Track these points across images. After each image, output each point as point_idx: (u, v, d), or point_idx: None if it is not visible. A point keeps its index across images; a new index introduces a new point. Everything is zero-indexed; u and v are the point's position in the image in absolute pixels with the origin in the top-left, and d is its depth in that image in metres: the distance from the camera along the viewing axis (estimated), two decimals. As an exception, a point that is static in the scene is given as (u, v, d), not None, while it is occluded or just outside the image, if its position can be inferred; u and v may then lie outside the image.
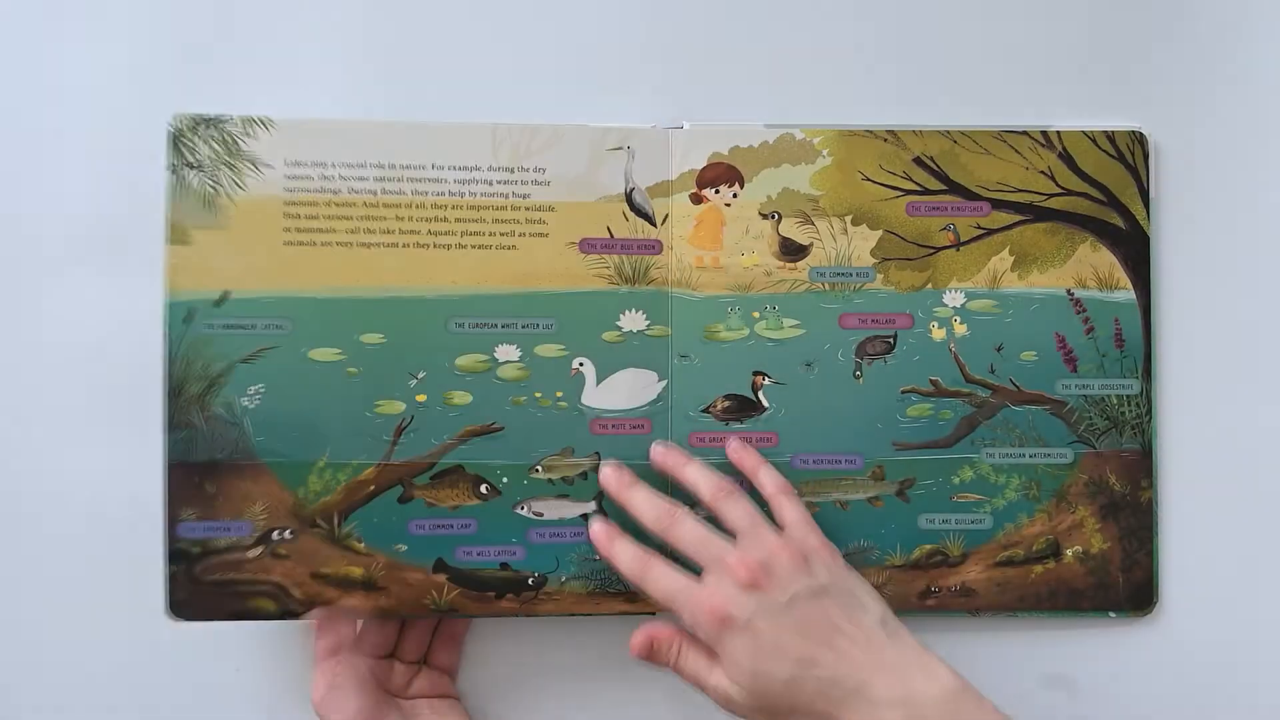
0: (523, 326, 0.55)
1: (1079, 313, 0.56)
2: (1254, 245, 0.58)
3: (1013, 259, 0.56)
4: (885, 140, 0.56)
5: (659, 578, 0.49)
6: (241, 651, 0.57)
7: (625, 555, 0.50)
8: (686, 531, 0.49)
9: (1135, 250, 0.56)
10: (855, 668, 0.45)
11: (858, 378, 0.56)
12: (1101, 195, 0.56)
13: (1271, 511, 0.57)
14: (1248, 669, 0.57)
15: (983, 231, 0.56)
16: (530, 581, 0.55)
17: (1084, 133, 0.56)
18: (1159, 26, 0.58)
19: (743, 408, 0.55)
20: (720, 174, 0.56)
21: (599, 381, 0.55)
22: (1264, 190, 0.58)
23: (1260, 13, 0.58)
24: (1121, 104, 0.57)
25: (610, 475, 0.52)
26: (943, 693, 0.45)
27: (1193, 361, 0.57)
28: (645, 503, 0.51)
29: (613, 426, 0.55)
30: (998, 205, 0.56)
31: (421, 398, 0.54)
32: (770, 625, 0.46)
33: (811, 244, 0.56)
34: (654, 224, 0.55)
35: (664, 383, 0.55)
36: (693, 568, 0.49)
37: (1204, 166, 0.58)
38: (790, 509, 0.51)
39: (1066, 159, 0.56)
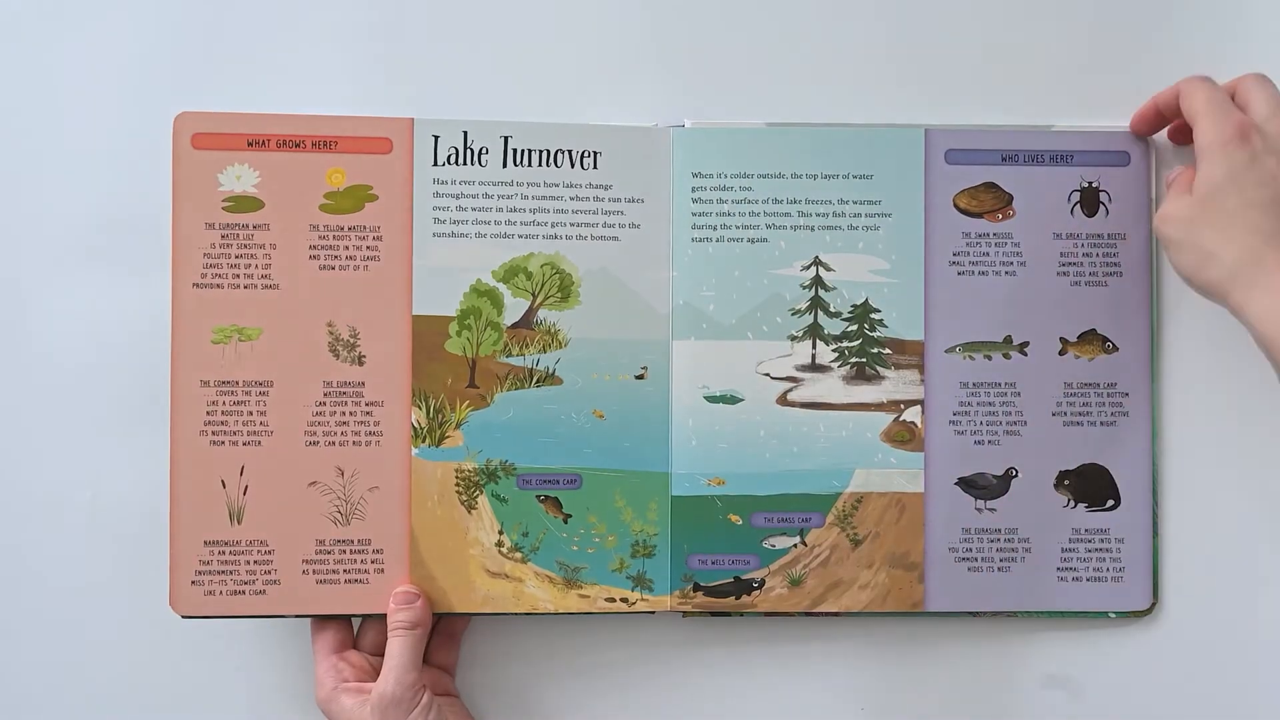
0: None
1: None
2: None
3: None
4: None
5: (1200, 92, 0.50)
6: (242, 648, 0.57)
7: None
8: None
9: None
10: None
11: None
12: None
13: (1271, 512, 0.57)
14: (1248, 669, 0.57)
15: None
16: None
17: None
18: (1162, 29, 0.58)
19: None
20: None
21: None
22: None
23: (1259, 14, 0.58)
24: (1122, 105, 0.57)
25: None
26: None
27: (1195, 362, 0.57)
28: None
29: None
30: None
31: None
32: (1277, 162, 0.48)
33: None
34: None
35: None
36: None
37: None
38: None
39: None
